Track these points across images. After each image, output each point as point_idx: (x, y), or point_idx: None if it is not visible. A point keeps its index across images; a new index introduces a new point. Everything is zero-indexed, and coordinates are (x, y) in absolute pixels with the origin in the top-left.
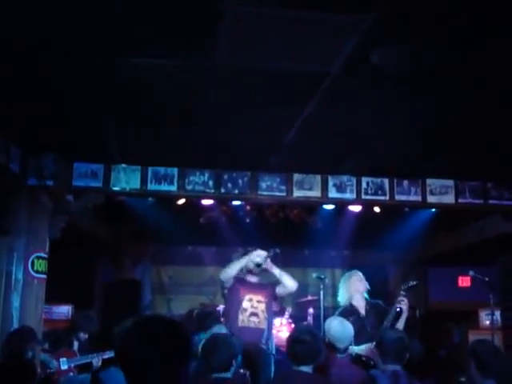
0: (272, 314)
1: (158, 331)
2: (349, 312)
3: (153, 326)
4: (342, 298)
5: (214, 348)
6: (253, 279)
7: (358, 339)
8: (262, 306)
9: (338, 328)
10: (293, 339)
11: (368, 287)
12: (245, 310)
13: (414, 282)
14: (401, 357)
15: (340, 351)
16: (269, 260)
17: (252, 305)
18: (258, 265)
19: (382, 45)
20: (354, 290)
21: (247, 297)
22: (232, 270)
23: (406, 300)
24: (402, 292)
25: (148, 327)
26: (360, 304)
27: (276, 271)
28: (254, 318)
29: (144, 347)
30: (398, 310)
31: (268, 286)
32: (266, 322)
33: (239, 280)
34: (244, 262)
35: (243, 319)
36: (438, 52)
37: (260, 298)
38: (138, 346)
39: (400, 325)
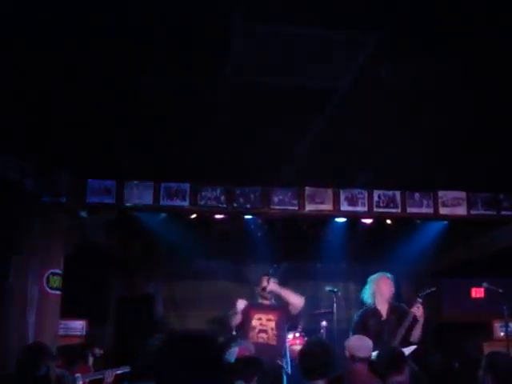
0: (285, 333)
1: (190, 348)
2: (370, 314)
3: (185, 342)
4: (367, 298)
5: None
6: (265, 302)
7: (377, 342)
8: (272, 324)
9: (357, 339)
10: (303, 353)
11: (393, 291)
12: (254, 327)
13: (431, 289)
14: (321, 372)
15: (359, 360)
16: (272, 282)
17: (261, 323)
18: (263, 288)
19: (391, 60)
20: (379, 293)
21: (256, 316)
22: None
23: (421, 307)
24: (418, 299)
25: (180, 344)
26: (383, 307)
27: (280, 291)
28: (262, 335)
29: (177, 364)
30: (413, 316)
31: (280, 307)
32: (276, 339)
33: (251, 304)
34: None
35: (252, 336)
36: (446, 65)
37: (270, 316)
38: (171, 363)
39: (416, 331)
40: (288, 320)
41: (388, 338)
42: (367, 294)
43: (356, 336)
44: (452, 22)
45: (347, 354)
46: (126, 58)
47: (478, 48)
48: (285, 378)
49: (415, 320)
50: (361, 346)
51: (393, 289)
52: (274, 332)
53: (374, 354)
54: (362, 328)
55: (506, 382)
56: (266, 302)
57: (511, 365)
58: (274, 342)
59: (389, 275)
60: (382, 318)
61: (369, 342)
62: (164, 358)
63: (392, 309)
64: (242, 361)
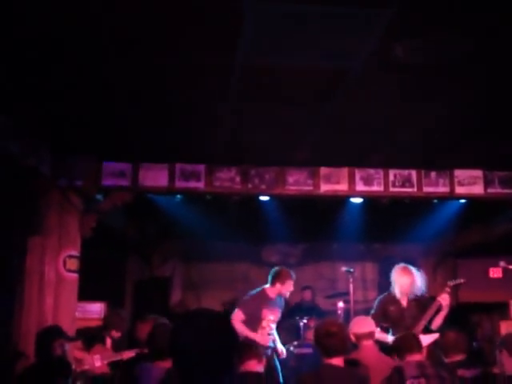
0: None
1: (203, 324)
2: (391, 300)
3: (199, 319)
4: (392, 285)
5: None
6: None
7: (396, 329)
8: (274, 326)
9: (357, 320)
10: (323, 333)
11: (418, 289)
12: (263, 328)
13: (461, 280)
14: (415, 348)
15: (364, 336)
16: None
17: (268, 324)
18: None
19: (405, 37)
20: (397, 289)
21: (267, 317)
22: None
23: (448, 297)
24: (446, 288)
25: (194, 321)
26: (403, 295)
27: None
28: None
29: (190, 340)
30: (438, 305)
31: (281, 304)
32: (273, 339)
33: (263, 301)
34: (252, 337)
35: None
36: (460, 42)
37: (275, 317)
38: (184, 339)
39: (438, 320)
40: None
41: (409, 326)
42: (392, 281)
43: (358, 316)
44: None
45: (352, 337)
46: (138, 41)
47: (492, 22)
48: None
49: (440, 308)
50: (362, 323)
51: (416, 289)
52: (274, 332)
53: (392, 338)
54: (381, 315)
55: None
56: (273, 303)
57: None
58: (270, 343)
59: (412, 274)
60: (403, 306)
61: (369, 320)
62: (179, 334)
63: (413, 297)
64: None
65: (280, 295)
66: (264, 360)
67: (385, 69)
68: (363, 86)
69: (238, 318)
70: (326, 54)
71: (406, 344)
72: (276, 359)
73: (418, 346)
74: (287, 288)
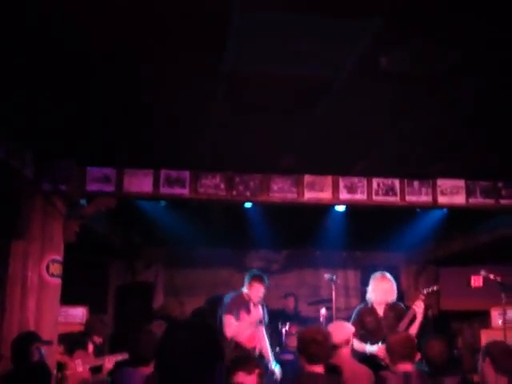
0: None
1: (188, 336)
2: (368, 312)
3: (185, 330)
4: (368, 295)
5: None
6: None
7: (374, 339)
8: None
9: (333, 327)
10: (308, 340)
11: (394, 297)
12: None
13: (435, 288)
14: (408, 355)
15: (340, 344)
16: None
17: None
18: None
19: (390, 48)
20: (377, 297)
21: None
22: (238, 332)
23: (422, 304)
24: (421, 296)
25: (180, 332)
26: (380, 306)
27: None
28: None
29: (175, 351)
30: (414, 313)
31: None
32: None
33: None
34: (249, 323)
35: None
36: (447, 53)
37: (254, 319)
38: (169, 349)
39: (414, 328)
40: None
41: (386, 335)
42: (369, 291)
43: (332, 324)
44: (452, 8)
45: None
46: (124, 50)
47: (478, 35)
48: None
49: (414, 316)
50: (338, 330)
51: (393, 296)
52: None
53: (374, 348)
54: (358, 326)
55: (503, 367)
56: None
57: (507, 351)
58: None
59: (390, 282)
60: (380, 316)
61: (346, 326)
62: (164, 346)
63: (389, 307)
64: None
65: (251, 300)
66: (256, 372)
67: (370, 78)
68: (348, 95)
69: (230, 324)
70: (313, 63)
71: (402, 350)
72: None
73: (413, 354)
74: (254, 292)
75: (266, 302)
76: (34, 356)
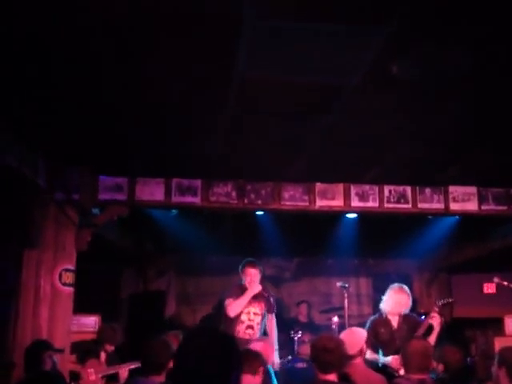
0: (263, 327)
1: (205, 344)
2: (381, 323)
3: (201, 338)
4: (382, 305)
5: None
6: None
7: (387, 351)
8: (258, 319)
9: (347, 336)
10: (320, 348)
11: (407, 309)
12: (242, 322)
13: (450, 300)
14: (424, 366)
15: (353, 356)
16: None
17: (249, 317)
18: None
19: (400, 54)
20: (391, 307)
21: (245, 310)
22: (240, 307)
23: (438, 316)
24: (435, 308)
25: (197, 340)
26: (394, 317)
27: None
28: (249, 331)
29: (190, 359)
30: (428, 325)
31: (265, 299)
32: (259, 334)
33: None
34: (249, 296)
35: (239, 331)
36: (458, 59)
37: (257, 310)
38: (185, 357)
39: (431, 339)
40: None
41: (400, 347)
42: (383, 302)
43: (345, 332)
44: (464, 14)
45: None
46: (137, 56)
47: (491, 40)
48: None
49: (430, 329)
50: (351, 340)
51: (407, 308)
52: (259, 327)
53: (388, 359)
54: (372, 336)
55: None
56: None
57: None
58: (256, 338)
59: (406, 293)
60: (393, 328)
61: (359, 335)
62: (181, 354)
63: (404, 318)
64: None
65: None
66: (261, 371)
67: (382, 85)
68: (360, 102)
69: (229, 303)
70: (325, 70)
71: (418, 360)
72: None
73: (429, 364)
74: (248, 277)
75: (278, 308)
76: (47, 364)
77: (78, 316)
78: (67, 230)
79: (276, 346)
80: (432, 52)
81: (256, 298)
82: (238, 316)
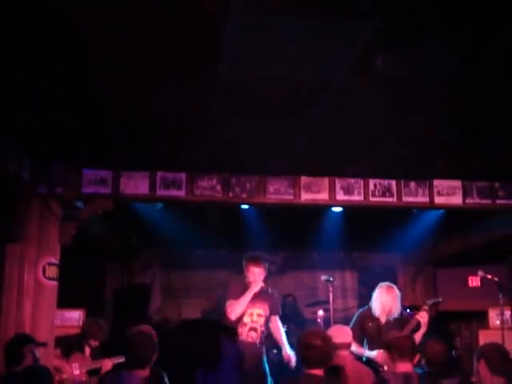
0: (267, 328)
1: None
2: (369, 316)
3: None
4: (371, 302)
5: None
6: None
7: (373, 345)
8: (262, 321)
9: (335, 329)
10: (304, 345)
11: (397, 310)
12: (244, 324)
13: (439, 299)
14: (408, 353)
15: (342, 347)
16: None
17: (252, 319)
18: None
19: (386, 50)
20: (380, 309)
21: (248, 311)
22: (241, 308)
23: (426, 315)
24: (425, 307)
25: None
26: (383, 314)
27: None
28: (252, 333)
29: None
30: (416, 323)
31: (269, 297)
32: (261, 336)
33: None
34: (250, 295)
35: (241, 333)
36: (442, 55)
37: (260, 311)
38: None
39: (417, 338)
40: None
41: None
42: (372, 298)
43: (335, 326)
44: (451, 8)
45: None
46: (121, 54)
47: (478, 35)
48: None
49: (418, 326)
50: (339, 332)
51: (395, 308)
52: (262, 329)
53: (373, 353)
54: (359, 329)
55: (498, 368)
56: (259, 290)
57: (502, 353)
58: (259, 340)
59: (395, 293)
60: (381, 323)
61: (347, 330)
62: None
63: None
64: None
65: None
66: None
67: (368, 79)
68: (345, 97)
69: (230, 305)
70: (311, 65)
71: (402, 348)
72: (265, 366)
73: (412, 353)
74: (252, 275)
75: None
76: (28, 359)
77: (62, 310)
78: (51, 223)
79: (287, 345)
80: (419, 48)
81: (259, 297)
82: (241, 318)
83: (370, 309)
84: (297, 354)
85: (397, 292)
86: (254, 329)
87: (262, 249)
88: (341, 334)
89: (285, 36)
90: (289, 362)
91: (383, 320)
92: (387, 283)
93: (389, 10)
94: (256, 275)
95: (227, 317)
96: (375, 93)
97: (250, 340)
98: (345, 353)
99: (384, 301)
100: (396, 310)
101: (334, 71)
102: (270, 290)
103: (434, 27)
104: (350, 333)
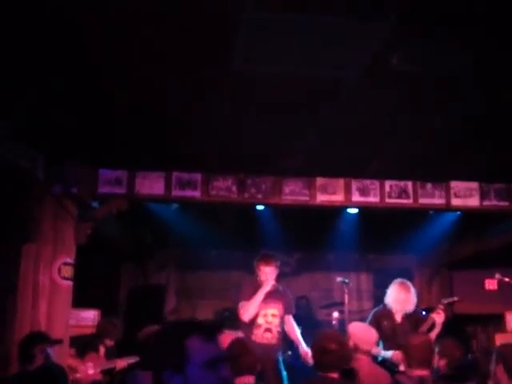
0: (283, 328)
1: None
2: (384, 315)
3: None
4: (386, 298)
5: None
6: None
7: (388, 344)
8: (277, 321)
9: (362, 331)
10: (320, 349)
11: (412, 305)
12: (259, 325)
13: (455, 299)
14: (426, 361)
15: (364, 353)
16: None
17: (266, 320)
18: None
19: (404, 47)
20: (395, 305)
21: (262, 312)
22: (254, 309)
23: (443, 314)
24: (440, 306)
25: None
26: (398, 310)
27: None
28: (267, 334)
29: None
30: (432, 322)
31: (283, 296)
32: (277, 337)
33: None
34: (262, 295)
35: (256, 334)
36: (461, 54)
37: (274, 311)
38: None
39: (431, 336)
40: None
41: (401, 342)
42: (387, 295)
43: (360, 325)
44: (465, 7)
45: (351, 342)
46: (137, 48)
47: (491, 34)
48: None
49: (433, 326)
50: (364, 337)
51: (411, 306)
52: (278, 329)
53: (389, 353)
54: (375, 328)
55: None
56: (270, 289)
57: None
58: (275, 341)
59: (411, 290)
60: (396, 322)
61: (373, 334)
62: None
63: (407, 314)
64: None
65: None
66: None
67: (383, 78)
68: (361, 96)
69: (242, 306)
70: (325, 63)
71: (420, 355)
72: (281, 367)
73: (431, 360)
74: (264, 275)
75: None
76: (38, 358)
77: (77, 310)
78: (66, 223)
79: (303, 343)
80: (432, 48)
81: (273, 297)
82: (255, 319)
83: (385, 307)
84: (312, 358)
85: (411, 287)
86: (268, 329)
87: (277, 250)
88: (366, 338)
89: (299, 34)
90: (306, 358)
91: (399, 318)
92: (401, 280)
93: (402, 8)
94: (267, 274)
95: (241, 319)
96: (390, 91)
97: (265, 341)
98: (364, 358)
99: (399, 298)
100: (410, 305)
101: (348, 70)
102: (282, 288)
103: (449, 25)
104: (375, 336)
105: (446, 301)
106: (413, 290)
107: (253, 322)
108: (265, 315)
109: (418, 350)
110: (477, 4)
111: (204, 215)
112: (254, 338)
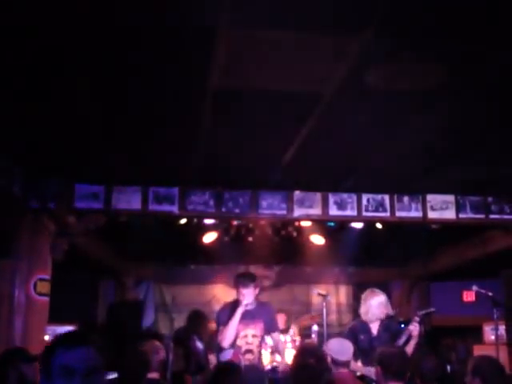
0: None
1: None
2: (361, 329)
3: None
4: (361, 312)
5: None
6: (248, 308)
7: (366, 358)
8: (257, 341)
9: (337, 344)
10: (297, 365)
11: (388, 313)
12: (239, 347)
13: (431, 310)
14: (401, 373)
15: (341, 364)
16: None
17: (246, 341)
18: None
19: (376, 66)
20: (370, 314)
21: (242, 333)
22: (232, 333)
23: (418, 326)
24: (416, 318)
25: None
26: (374, 324)
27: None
28: (248, 356)
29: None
30: (409, 334)
31: (262, 316)
32: (259, 357)
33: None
34: (237, 319)
35: (235, 355)
36: (433, 71)
37: (255, 331)
38: None
39: (409, 349)
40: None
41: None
42: (361, 308)
43: (335, 339)
44: (439, 22)
45: (328, 358)
46: (115, 65)
47: (464, 48)
48: None
49: (410, 337)
50: (340, 349)
51: (386, 311)
52: (259, 349)
53: (370, 369)
54: (352, 343)
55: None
56: (249, 309)
57: (497, 367)
58: (257, 361)
59: (383, 297)
60: (373, 335)
61: (349, 345)
62: None
63: (384, 326)
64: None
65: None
66: None
67: (358, 94)
68: (337, 112)
69: (220, 333)
70: (300, 79)
71: (395, 367)
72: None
73: (405, 372)
74: (242, 296)
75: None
76: (11, 379)
77: (54, 326)
78: (43, 238)
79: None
80: (407, 63)
81: (252, 317)
82: (234, 342)
83: (361, 321)
84: (291, 374)
85: (382, 294)
86: (249, 351)
87: (256, 263)
88: (342, 350)
89: (274, 50)
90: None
91: (375, 331)
92: (370, 289)
93: (377, 24)
94: (245, 296)
95: (221, 346)
96: (366, 107)
97: (247, 363)
98: (344, 371)
99: (374, 302)
100: (382, 312)
101: (325, 86)
102: (263, 306)
103: (424, 41)
104: (352, 348)
105: (421, 312)
106: (383, 296)
107: (233, 345)
108: (244, 336)
109: (391, 362)
110: (450, 19)
111: (182, 229)
112: (234, 360)
